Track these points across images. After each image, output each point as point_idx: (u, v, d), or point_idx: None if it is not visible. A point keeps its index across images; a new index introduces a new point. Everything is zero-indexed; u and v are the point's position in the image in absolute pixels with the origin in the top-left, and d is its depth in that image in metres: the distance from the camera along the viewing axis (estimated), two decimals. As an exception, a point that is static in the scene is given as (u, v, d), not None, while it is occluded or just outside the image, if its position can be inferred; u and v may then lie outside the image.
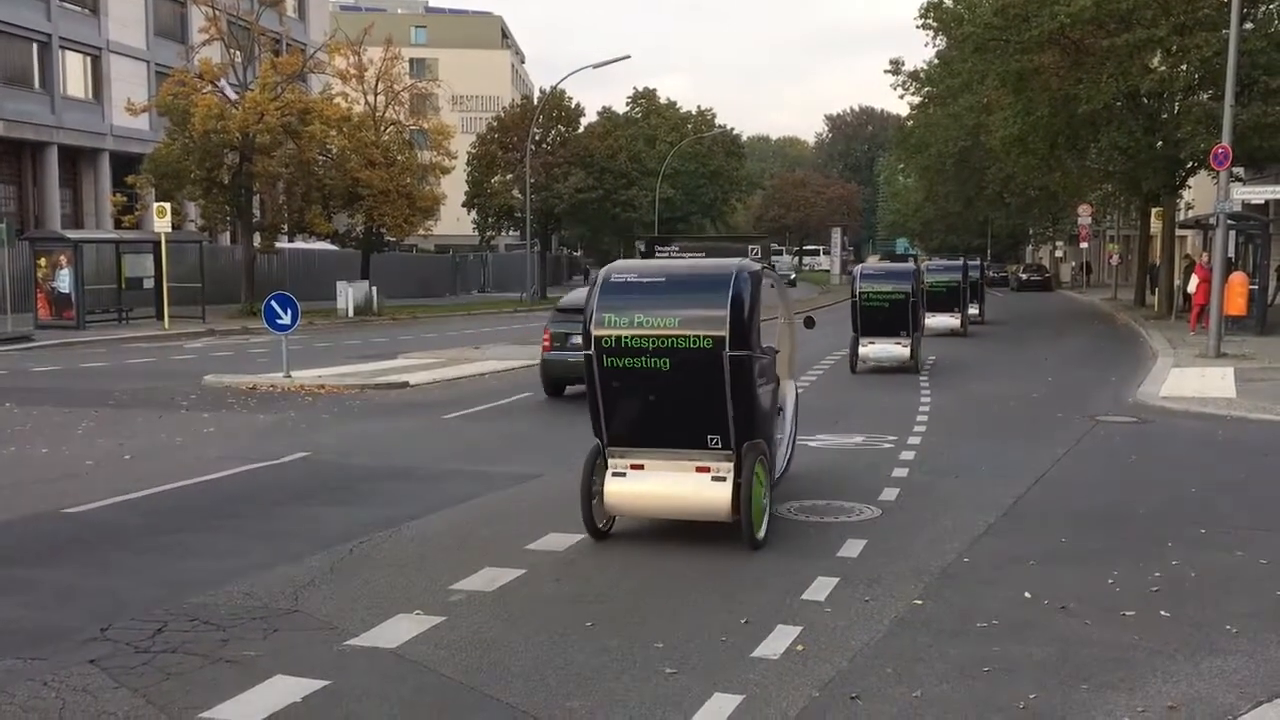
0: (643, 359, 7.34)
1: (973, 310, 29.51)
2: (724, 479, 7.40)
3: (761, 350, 7.76)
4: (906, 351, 19.00)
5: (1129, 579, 6.76)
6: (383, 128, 39.61)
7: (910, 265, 22.03)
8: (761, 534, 7.52)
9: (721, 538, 7.78)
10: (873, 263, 28.79)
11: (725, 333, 7.17)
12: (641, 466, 7.60)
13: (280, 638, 5.75)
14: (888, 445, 11.73)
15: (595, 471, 7.64)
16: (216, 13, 36.24)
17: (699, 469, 7.49)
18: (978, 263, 36.60)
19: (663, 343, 7.28)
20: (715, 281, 7.41)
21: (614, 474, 7.62)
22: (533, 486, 9.66)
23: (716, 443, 7.40)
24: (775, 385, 8.59)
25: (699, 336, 7.22)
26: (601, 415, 7.54)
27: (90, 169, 42.47)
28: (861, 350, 19.18)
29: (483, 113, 74.25)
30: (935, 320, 25.04)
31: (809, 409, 14.23)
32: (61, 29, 40.44)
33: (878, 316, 19.06)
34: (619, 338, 7.34)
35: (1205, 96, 29.56)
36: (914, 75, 43.76)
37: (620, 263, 8.00)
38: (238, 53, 37.25)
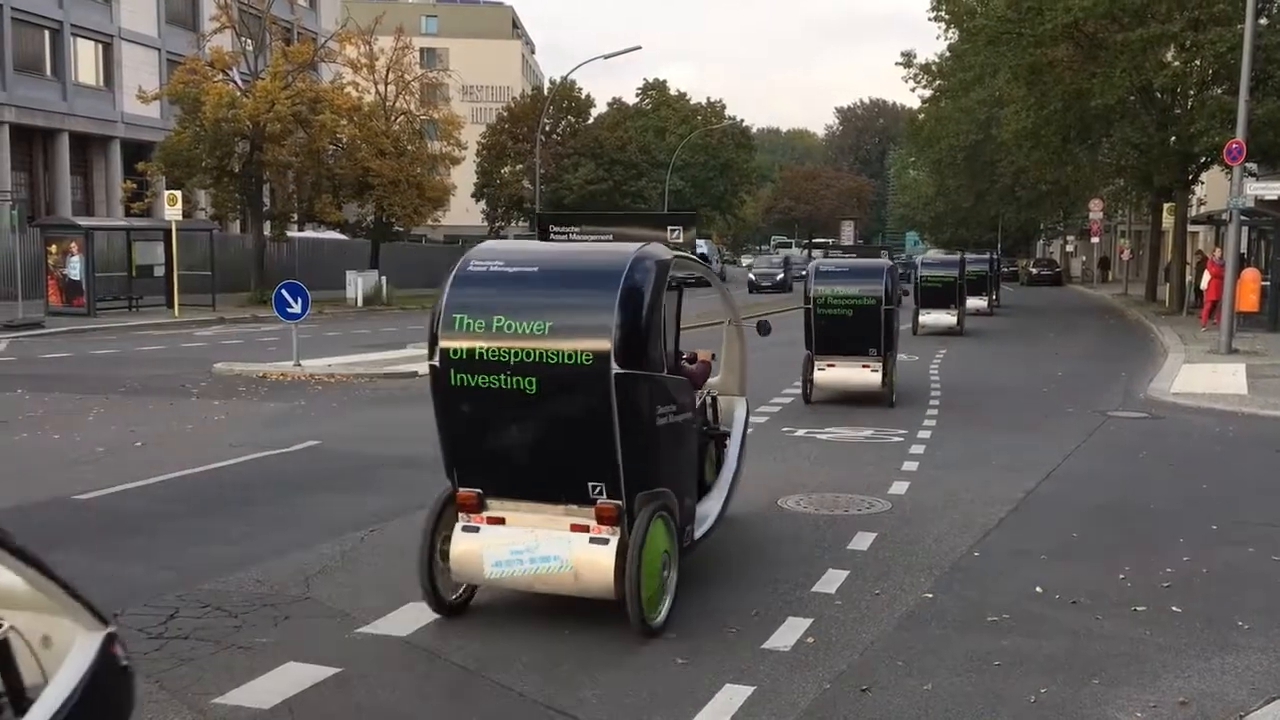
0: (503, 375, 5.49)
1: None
2: (606, 541, 5.56)
3: (672, 366, 6.39)
4: (954, 319, 25.58)
5: (1140, 574, 6.74)
6: (393, 117, 39.60)
7: (957, 257, 29.70)
8: (660, 618, 5.70)
9: (729, 534, 7.79)
10: (931, 255, 36.30)
11: (609, 345, 5.32)
12: (502, 520, 5.78)
13: (292, 625, 5.77)
14: (898, 439, 11.71)
15: (441, 524, 5.96)
16: (228, 1, 36.25)
17: (575, 527, 5.62)
18: (994, 257, 41.28)
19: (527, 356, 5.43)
20: (602, 274, 5.57)
21: (463, 528, 5.84)
22: (542, 477, 9.64)
23: (600, 491, 5.55)
24: (692, 413, 6.39)
25: (575, 351, 5.37)
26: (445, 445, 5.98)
27: (101, 156, 42.56)
28: (921, 319, 25.39)
29: (493, 103, 74.19)
30: (969, 301, 29.41)
31: (818, 402, 14.22)
32: (73, 16, 40.50)
33: (934, 294, 25.63)
34: (471, 350, 5.52)
35: (1219, 91, 29.43)
36: (926, 68, 43.64)
37: (485, 245, 6.23)
38: (249, 41, 37.27)
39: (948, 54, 42.02)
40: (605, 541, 5.52)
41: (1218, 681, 5.12)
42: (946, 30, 36.54)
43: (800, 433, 12.03)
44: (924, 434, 12.04)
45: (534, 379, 5.38)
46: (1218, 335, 20.73)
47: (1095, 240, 55.61)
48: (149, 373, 17.09)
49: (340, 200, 38.27)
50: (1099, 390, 16.16)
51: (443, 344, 5.64)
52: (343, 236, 44.95)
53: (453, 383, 5.64)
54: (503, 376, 5.44)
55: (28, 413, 13.04)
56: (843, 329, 13.86)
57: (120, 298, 30.37)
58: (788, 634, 5.65)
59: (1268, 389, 15.41)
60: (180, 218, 30.18)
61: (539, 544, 5.60)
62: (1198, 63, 29.29)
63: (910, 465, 10.25)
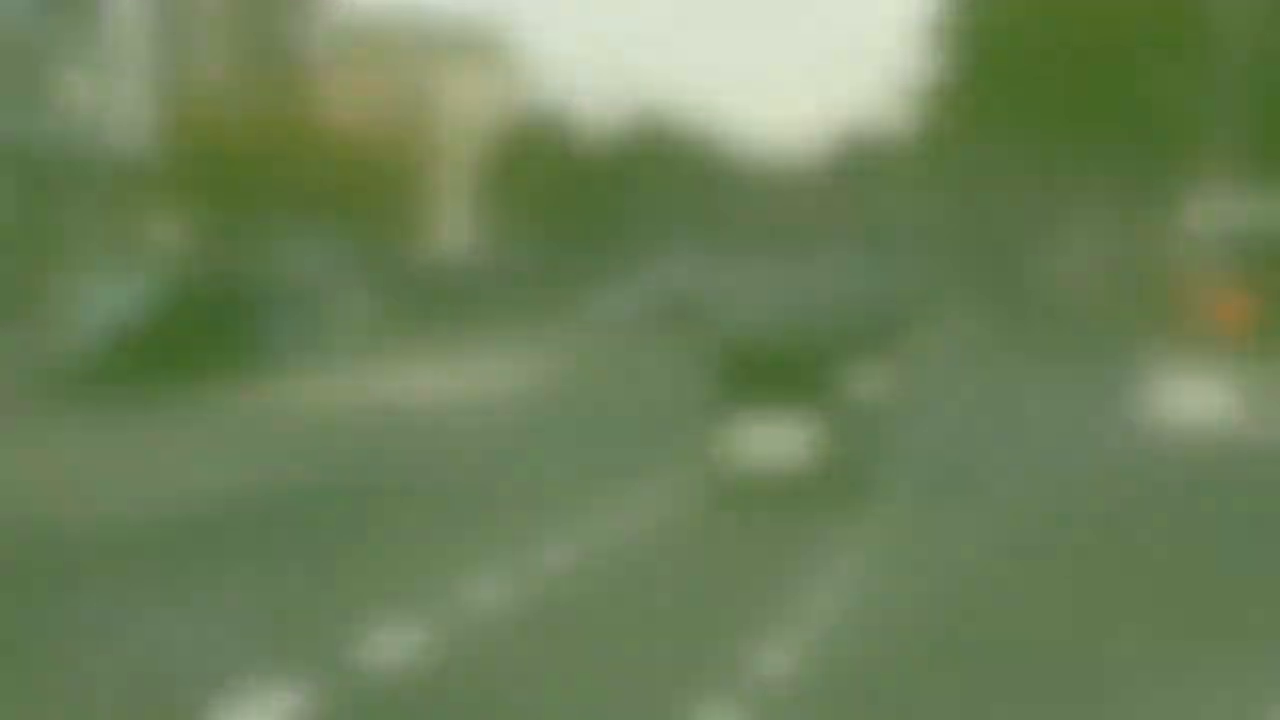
0: None
1: None
2: None
3: None
4: None
5: (1128, 591, 6.66)
6: (380, 138, 39.68)
7: None
8: None
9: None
10: None
11: None
12: None
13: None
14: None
15: None
16: (217, 24, 36.32)
17: None
18: None
19: None
20: None
21: None
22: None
23: None
24: None
25: None
26: None
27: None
28: None
29: (479, 124, 74.54)
30: None
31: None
32: (58, 37, 40.47)
33: None
34: None
35: (1211, 112, 29.70)
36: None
37: None
38: (238, 64, 37.33)
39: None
40: None
41: (1206, 697, 4.99)
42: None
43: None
44: (913, 446, 11.98)
45: None
46: (1204, 355, 20.75)
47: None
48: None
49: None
50: (1088, 410, 16.23)
51: None
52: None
53: None
54: None
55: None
56: None
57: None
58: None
59: (1257, 410, 15.45)
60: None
61: None
62: (1187, 84, 29.53)
63: (901, 473, 10.18)
